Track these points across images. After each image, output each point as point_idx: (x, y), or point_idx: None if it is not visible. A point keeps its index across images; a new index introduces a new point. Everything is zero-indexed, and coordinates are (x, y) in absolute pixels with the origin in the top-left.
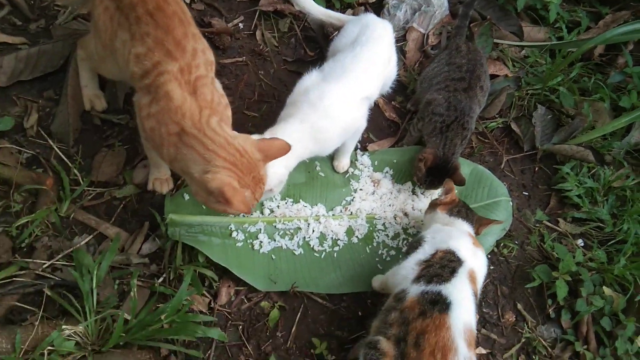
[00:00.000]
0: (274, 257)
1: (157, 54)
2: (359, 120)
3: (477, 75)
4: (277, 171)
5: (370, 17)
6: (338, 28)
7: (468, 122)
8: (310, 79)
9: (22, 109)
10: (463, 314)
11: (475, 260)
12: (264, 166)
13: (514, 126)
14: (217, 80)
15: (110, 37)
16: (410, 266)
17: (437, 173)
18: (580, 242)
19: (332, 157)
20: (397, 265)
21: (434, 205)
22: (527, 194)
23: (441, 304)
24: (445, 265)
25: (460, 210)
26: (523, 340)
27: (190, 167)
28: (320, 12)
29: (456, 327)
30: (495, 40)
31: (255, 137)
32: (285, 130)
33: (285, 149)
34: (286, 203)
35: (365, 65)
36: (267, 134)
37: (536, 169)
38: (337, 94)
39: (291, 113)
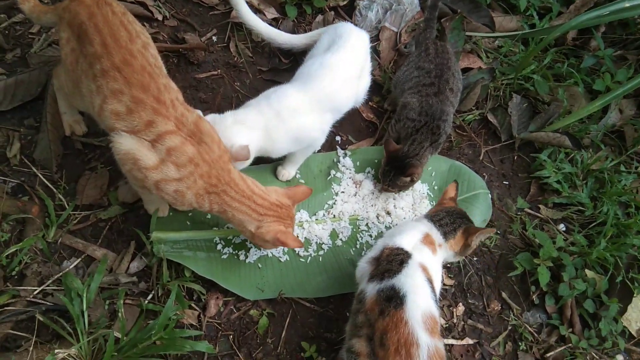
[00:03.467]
0: (260, 266)
1: (144, 114)
2: (314, 131)
3: (445, 79)
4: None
5: (346, 27)
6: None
7: (439, 126)
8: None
9: (4, 139)
10: (420, 301)
11: (422, 256)
12: (294, 207)
13: (490, 117)
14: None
15: (76, 80)
16: (362, 265)
17: (395, 165)
18: (562, 227)
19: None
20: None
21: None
22: (507, 183)
23: (396, 299)
24: (392, 259)
25: (438, 214)
26: (509, 327)
27: (245, 225)
28: (289, 39)
29: (414, 319)
30: (468, 33)
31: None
32: (244, 116)
33: (307, 193)
34: None
35: (332, 74)
36: (228, 115)
37: (515, 157)
38: (295, 99)
39: (252, 103)
